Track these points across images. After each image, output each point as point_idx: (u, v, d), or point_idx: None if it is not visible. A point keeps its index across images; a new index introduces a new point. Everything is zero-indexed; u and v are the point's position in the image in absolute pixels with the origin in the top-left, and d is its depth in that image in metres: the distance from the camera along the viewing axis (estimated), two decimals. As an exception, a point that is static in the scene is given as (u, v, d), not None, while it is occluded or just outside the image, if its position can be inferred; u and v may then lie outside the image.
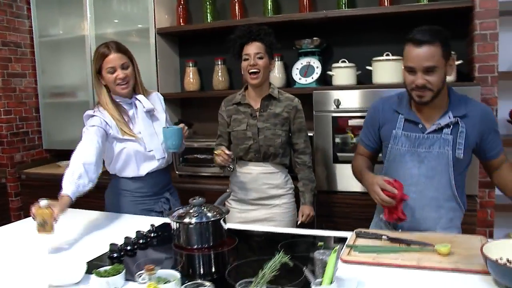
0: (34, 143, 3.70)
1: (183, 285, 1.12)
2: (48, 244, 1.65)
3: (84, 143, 1.95)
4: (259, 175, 2.19)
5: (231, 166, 2.18)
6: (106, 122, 2.05)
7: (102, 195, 2.27)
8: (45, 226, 1.55)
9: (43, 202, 1.58)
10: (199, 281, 1.14)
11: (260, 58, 2.10)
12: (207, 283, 1.13)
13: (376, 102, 1.90)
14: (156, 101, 2.25)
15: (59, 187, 3.42)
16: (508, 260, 1.27)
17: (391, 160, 1.77)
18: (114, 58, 2.03)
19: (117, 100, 2.11)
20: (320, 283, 1.09)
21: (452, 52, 1.68)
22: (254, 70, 2.10)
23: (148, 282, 1.12)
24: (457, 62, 2.57)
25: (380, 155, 1.93)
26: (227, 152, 2.05)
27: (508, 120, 2.65)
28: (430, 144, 1.68)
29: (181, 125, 2.14)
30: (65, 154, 3.71)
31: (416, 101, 1.67)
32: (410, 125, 1.72)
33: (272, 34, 2.15)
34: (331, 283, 1.08)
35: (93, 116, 2.07)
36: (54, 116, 3.68)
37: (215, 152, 2.09)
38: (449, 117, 1.66)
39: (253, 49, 2.10)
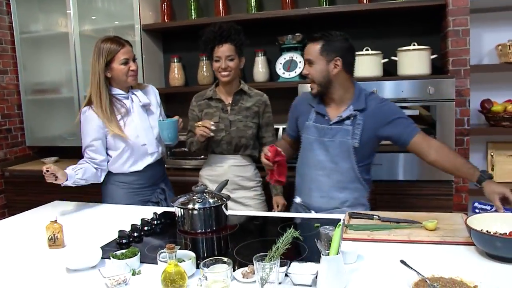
0: (17, 140, 3.66)
1: (203, 261, 1.21)
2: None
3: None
4: (230, 168, 2.28)
5: (212, 134, 2.17)
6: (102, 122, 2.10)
7: (98, 190, 2.32)
8: (55, 241, 1.60)
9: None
10: (217, 257, 1.23)
11: (231, 60, 2.19)
12: (225, 259, 1.22)
13: (298, 97, 2.16)
14: (151, 95, 2.29)
15: (43, 184, 3.43)
16: (487, 231, 1.42)
17: (304, 148, 2.01)
18: (127, 51, 2.10)
19: (114, 93, 2.13)
20: (328, 255, 1.20)
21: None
22: (225, 73, 2.20)
23: (169, 261, 1.20)
24: (432, 56, 2.75)
25: None
26: (208, 123, 2.11)
27: (479, 110, 2.84)
28: (333, 134, 1.90)
29: (176, 117, 2.21)
30: (49, 151, 3.73)
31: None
32: (319, 117, 1.95)
33: (241, 33, 2.23)
34: (337, 254, 1.20)
35: (89, 112, 2.10)
36: (37, 113, 3.66)
37: (196, 124, 2.16)
38: (350, 110, 1.88)
39: (224, 51, 2.18)
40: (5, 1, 3.55)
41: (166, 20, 3.39)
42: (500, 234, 1.40)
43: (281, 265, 1.23)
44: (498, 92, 2.83)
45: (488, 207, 1.61)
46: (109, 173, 2.23)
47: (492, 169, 2.87)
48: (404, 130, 1.86)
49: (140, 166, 2.18)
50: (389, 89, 2.64)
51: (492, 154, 2.87)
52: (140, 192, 2.21)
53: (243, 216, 1.95)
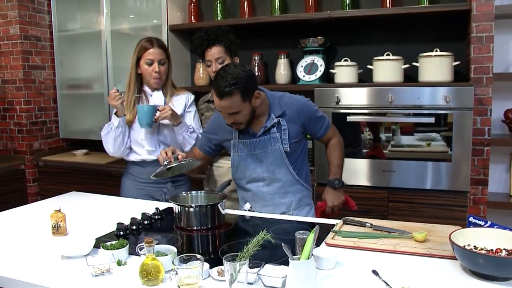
0: (51, 132, 3.91)
1: (178, 257, 1.27)
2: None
3: None
4: (229, 169, 2.25)
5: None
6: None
7: (118, 183, 2.47)
8: (58, 229, 1.71)
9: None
10: (191, 254, 1.28)
11: (221, 62, 2.16)
12: (199, 256, 1.27)
13: (212, 118, 2.12)
14: (177, 102, 2.33)
15: (74, 174, 3.62)
16: (475, 247, 1.38)
17: (237, 166, 2.03)
18: (154, 52, 2.22)
19: (145, 89, 2.32)
20: (299, 259, 1.22)
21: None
22: None
23: (147, 254, 1.27)
24: (454, 63, 2.67)
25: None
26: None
27: (502, 120, 2.73)
28: (263, 145, 1.95)
29: (152, 103, 2.26)
30: (80, 143, 3.93)
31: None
32: (244, 134, 1.98)
33: (230, 33, 2.20)
34: (308, 259, 1.22)
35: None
36: (71, 107, 3.88)
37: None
38: (273, 119, 1.93)
39: (213, 54, 2.17)
40: (46, 1, 3.79)
41: (194, 21, 3.48)
42: (487, 250, 1.37)
43: (254, 266, 1.27)
44: (524, 102, 2.71)
45: (482, 222, 1.56)
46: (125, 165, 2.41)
47: (515, 182, 2.75)
48: (320, 128, 2.02)
49: (135, 157, 2.32)
50: (405, 96, 2.59)
51: (516, 166, 2.75)
52: (143, 187, 2.34)
53: (240, 215, 2.00)
